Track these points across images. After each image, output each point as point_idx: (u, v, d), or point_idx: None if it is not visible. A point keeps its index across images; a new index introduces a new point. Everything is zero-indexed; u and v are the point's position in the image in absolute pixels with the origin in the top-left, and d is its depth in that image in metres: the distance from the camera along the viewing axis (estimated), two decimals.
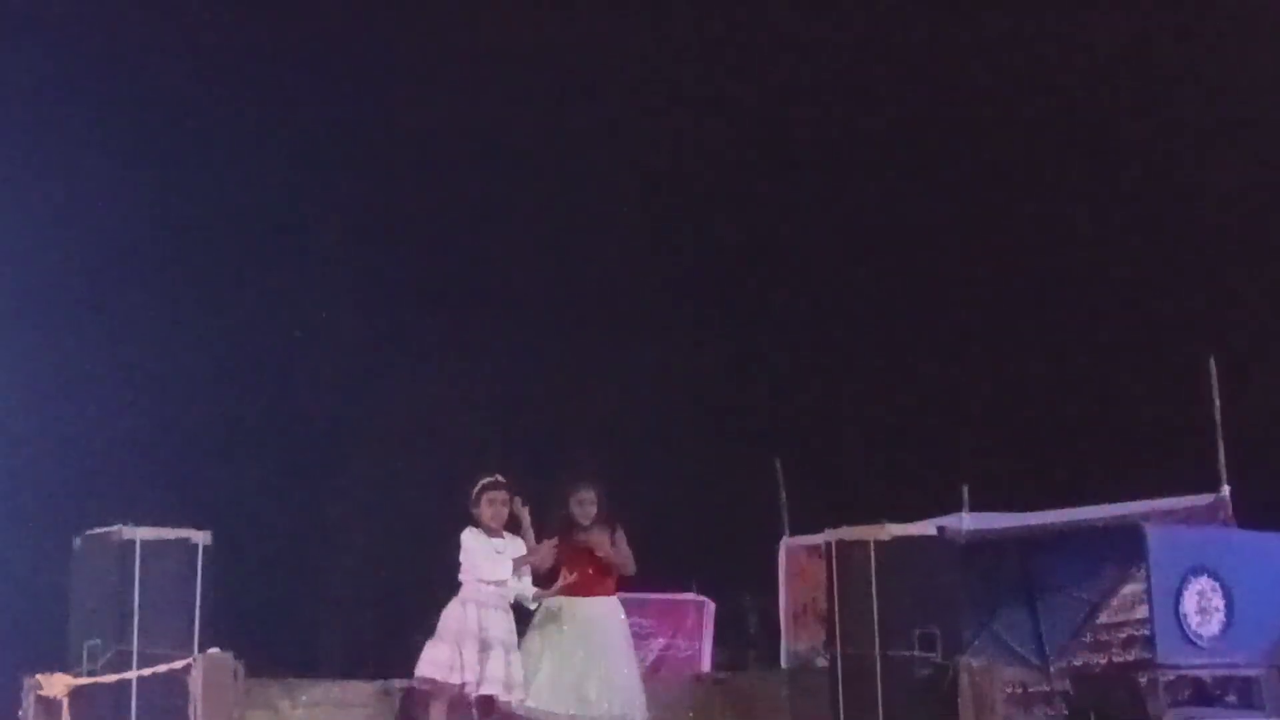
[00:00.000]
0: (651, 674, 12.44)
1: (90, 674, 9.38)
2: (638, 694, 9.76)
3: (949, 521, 11.59)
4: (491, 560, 9.54)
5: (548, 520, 9.85)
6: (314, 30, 16.75)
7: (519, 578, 9.66)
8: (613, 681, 9.61)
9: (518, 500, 9.67)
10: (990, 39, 16.85)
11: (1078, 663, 11.58)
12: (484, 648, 9.37)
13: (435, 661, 9.40)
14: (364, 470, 17.07)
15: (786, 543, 13.78)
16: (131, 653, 9.37)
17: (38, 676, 9.42)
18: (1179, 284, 16.11)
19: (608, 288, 17.91)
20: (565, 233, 17.73)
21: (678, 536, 9.72)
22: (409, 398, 17.32)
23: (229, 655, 9.50)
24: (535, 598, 9.74)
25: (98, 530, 9.80)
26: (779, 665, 13.31)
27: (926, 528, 10.40)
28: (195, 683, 9.30)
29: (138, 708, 9.32)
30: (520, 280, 18.07)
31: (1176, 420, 13.66)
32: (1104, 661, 11.43)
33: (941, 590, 9.93)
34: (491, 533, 9.65)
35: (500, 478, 9.69)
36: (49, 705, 9.29)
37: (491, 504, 9.63)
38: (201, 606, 9.61)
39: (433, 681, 9.44)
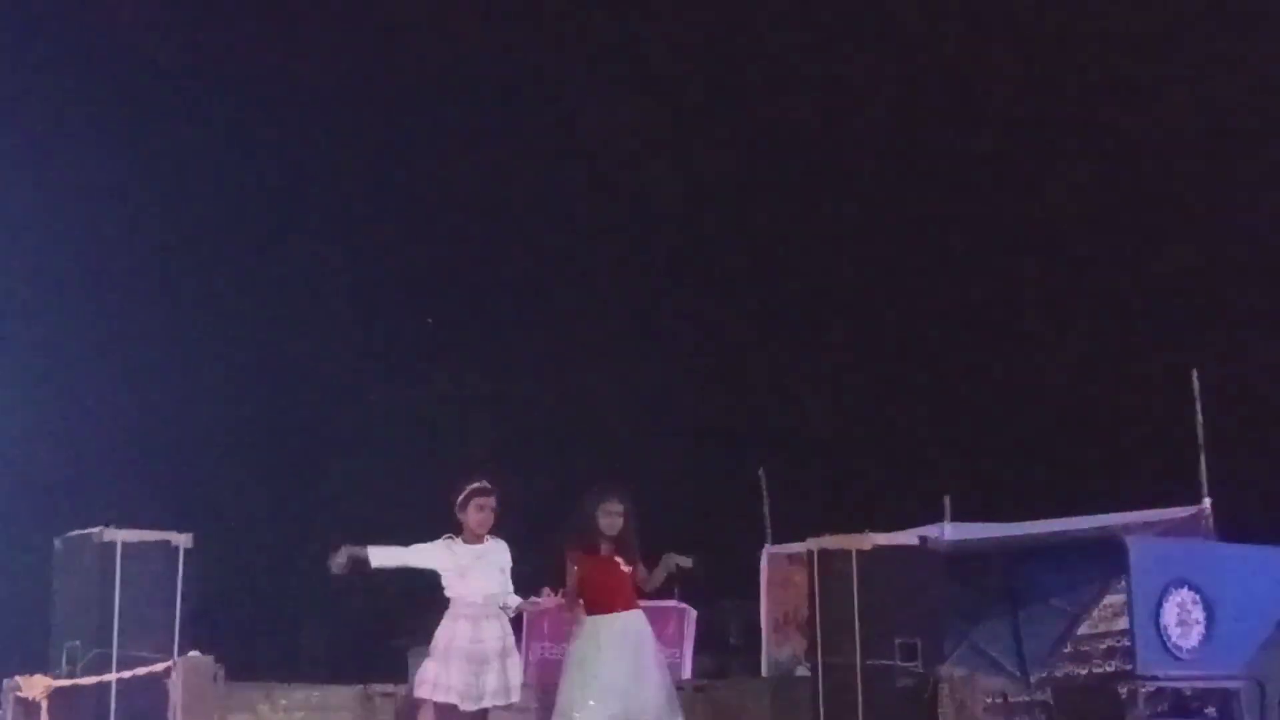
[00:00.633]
0: None
1: (70, 676, 9.35)
2: (676, 701, 9.69)
3: (931, 531, 11.55)
4: (465, 576, 9.32)
5: (560, 526, 9.68)
6: (315, 32, 16.79)
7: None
8: (658, 694, 9.49)
9: (546, 590, 9.41)
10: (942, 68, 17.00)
11: (1058, 673, 11.60)
12: (481, 662, 9.18)
13: (423, 680, 9.27)
14: (346, 473, 17.04)
15: (769, 551, 13.75)
16: (111, 655, 9.33)
17: (17, 678, 9.38)
18: (1162, 296, 16.16)
19: (594, 301, 17.94)
20: (551, 248, 17.77)
21: (660, 543, 9.65)
22: (392, 402, 17.33)
23: (209, 658, 9.46)
24: (517, 609, 9.54)
25: (79, 532, 9.78)
26: (760, 674, 13.29)
27: (909, 537, 10.41)
28: (175, 686, 9.27)
29: (117, 710, 9.29)
30: (503, 290, 18.11)
31: (1159, 432, 13.70)
32: (1084, 672, 11.45)
33: (923, 600, 9.92)
34: (474, 539, 9.49)
35: (488, 483, 9.54)
36: (28, 707, 9.24)
37: (480, 509, 9.38)
38: (182, 609, 9.59)
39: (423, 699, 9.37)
